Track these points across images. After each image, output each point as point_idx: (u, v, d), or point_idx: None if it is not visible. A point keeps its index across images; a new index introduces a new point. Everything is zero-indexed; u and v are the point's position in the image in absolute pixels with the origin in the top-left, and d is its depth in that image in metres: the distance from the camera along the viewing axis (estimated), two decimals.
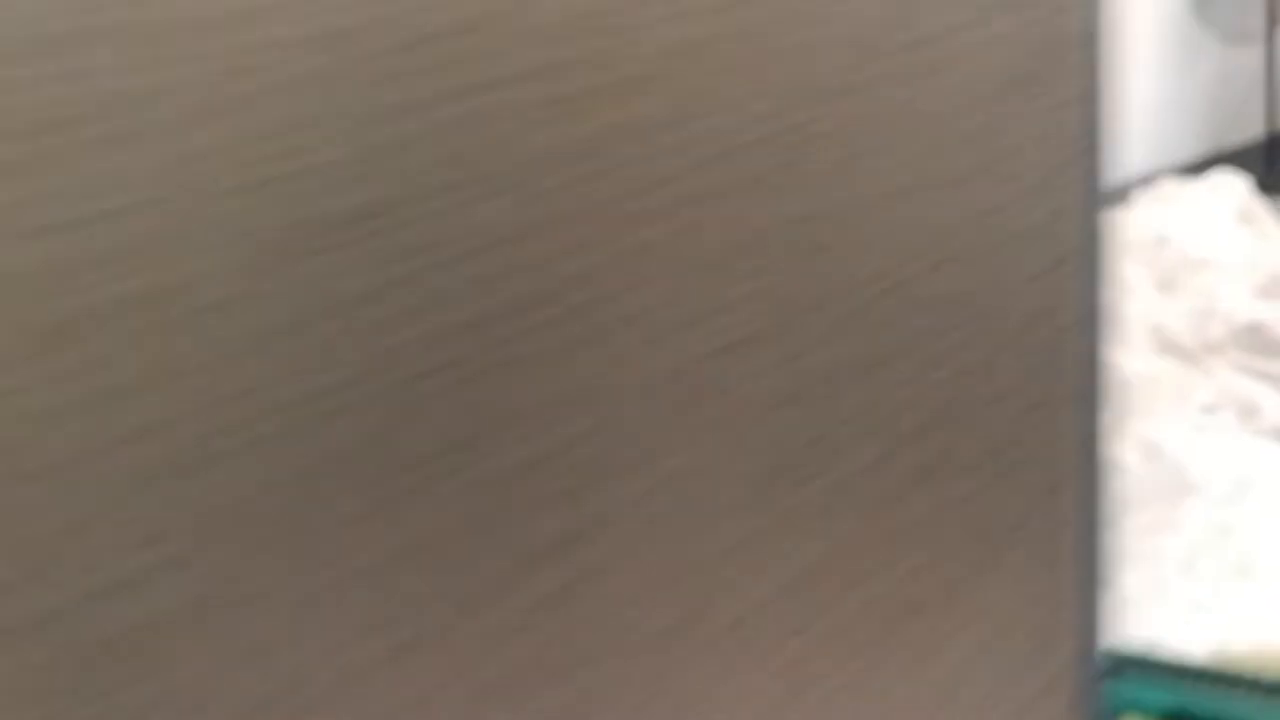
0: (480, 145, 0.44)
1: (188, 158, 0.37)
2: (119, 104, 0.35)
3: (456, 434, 0.44)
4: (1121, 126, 5.19)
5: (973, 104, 0.63)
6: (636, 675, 0.50)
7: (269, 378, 0.39)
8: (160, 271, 0.36)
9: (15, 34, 0.32)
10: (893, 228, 0.59)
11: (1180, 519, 2.44)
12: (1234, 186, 4.01)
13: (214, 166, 0.37)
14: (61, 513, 0.34)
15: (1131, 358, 3.30)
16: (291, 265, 0.40)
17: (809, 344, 0.57)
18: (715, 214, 0.52)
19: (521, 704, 0.47)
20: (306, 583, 0.40)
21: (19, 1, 0.32)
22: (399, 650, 0.43)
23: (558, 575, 0.48)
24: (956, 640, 0.62)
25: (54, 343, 0.34)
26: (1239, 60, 5.14)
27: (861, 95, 0.57)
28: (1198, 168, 5.10)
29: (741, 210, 0.53)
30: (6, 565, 0.33)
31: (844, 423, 0.57)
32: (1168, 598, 2.27)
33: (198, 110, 0.37)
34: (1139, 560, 2.39)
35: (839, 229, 0.57)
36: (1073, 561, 0.71)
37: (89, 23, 0.34)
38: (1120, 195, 4.97)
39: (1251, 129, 5.10)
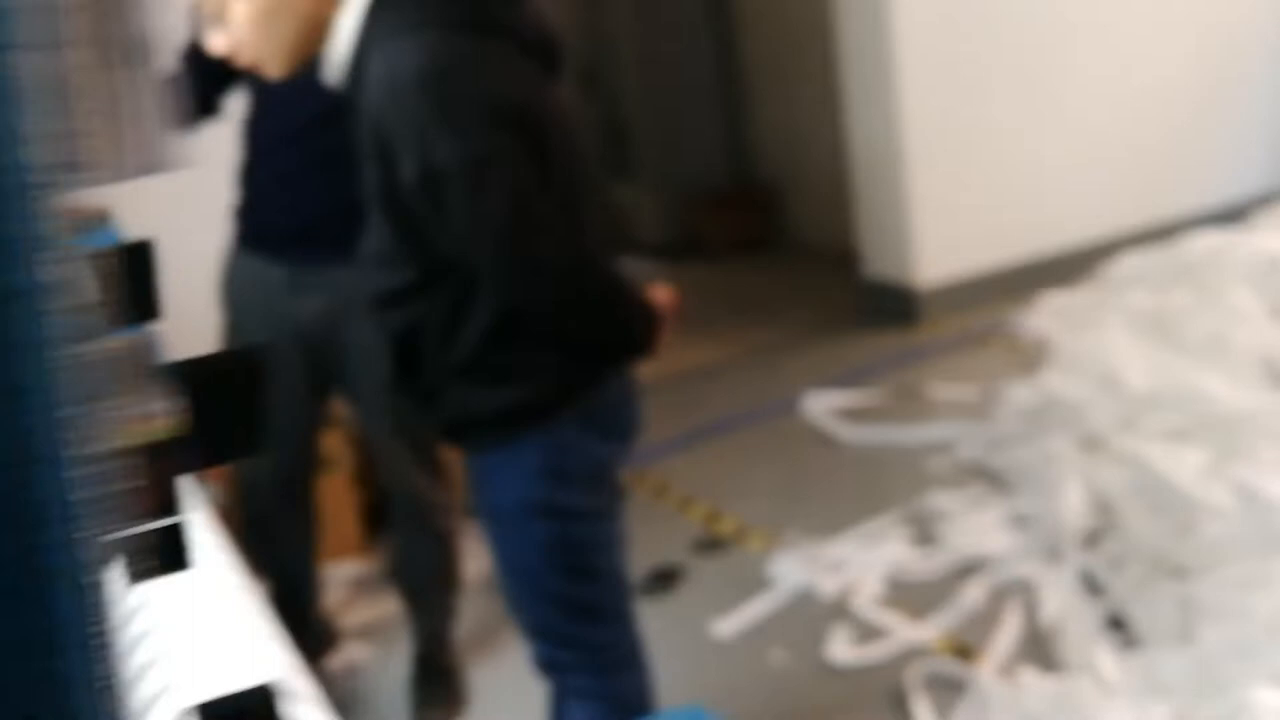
0: None
1: None
2: None
3: None
4: (1241, 144, 4.87)
5: None
6: None
7: None
8: None
9: None
10: None
11: (1275, 574, 2.24)
12: None
13: None
14: None
15: (1237, 390, 3.07)
16: None
17: None
18: None
19: None
20: None
21: None
22: None
23: None
24: None
25: None
26: None
27: None
28: None
29: None
30: None
31: None
32: (1255, 661, 2.07)
33: None
34: (1225, 616, 2.20)
35: None
36: None
37: None
38: (1238, 214, 4.68)
39: None
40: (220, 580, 1.24)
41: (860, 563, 2.72)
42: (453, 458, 2.24)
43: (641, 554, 2.92)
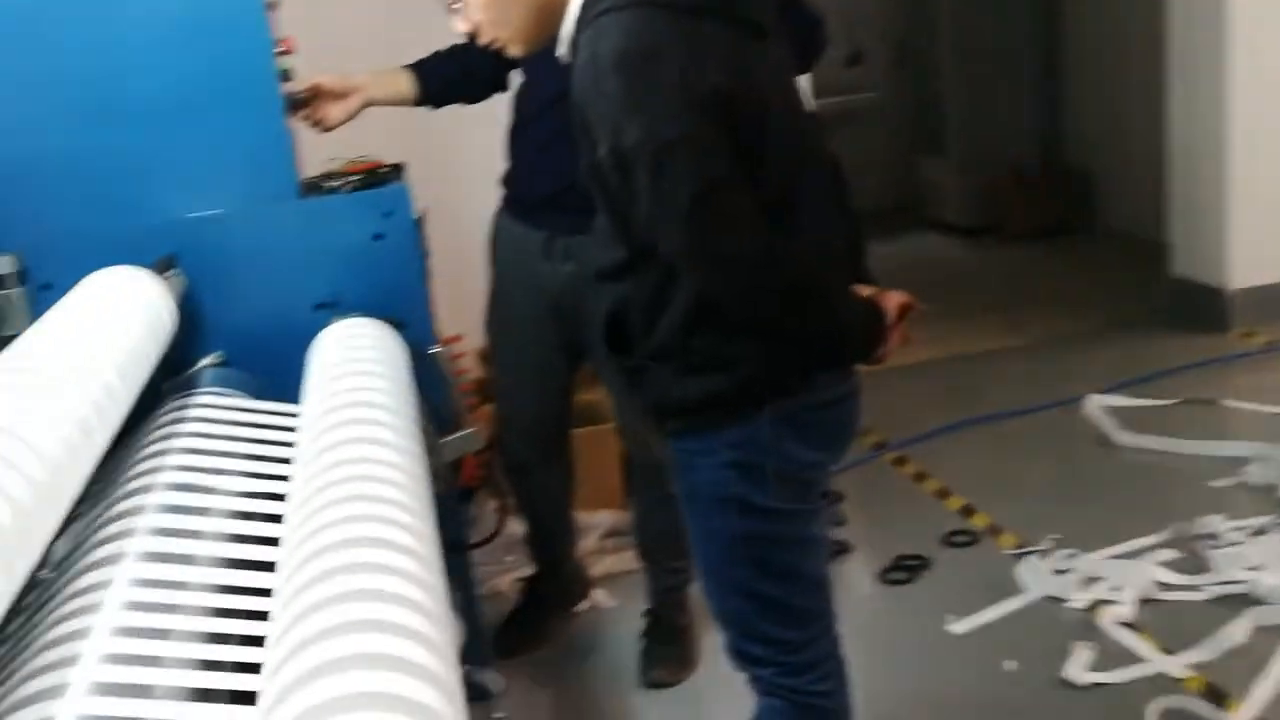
0: None
1: None
2: None
3: None
4: None
5: None
6: None
7: None
8: None
9: None
10: None
11: None
12: None
13: None
14: None
15: None
16: None
17: None
18: None
19: None
20: None
21: None
22: None
23: None
24: None
25: None
26: None
27: None
28: None
29: None
30: None
31: None
32: None
33: None
34: None
35: None
36: None
37: None
38: None
39: None
40: None
41: (1117, 579, 2.60)
42: None
43: (889, 539, 2.91)
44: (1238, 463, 3.08)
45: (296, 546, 1.02)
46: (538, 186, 2.24)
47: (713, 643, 2.47)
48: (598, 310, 1.52)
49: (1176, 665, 2.31)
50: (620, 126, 1.32)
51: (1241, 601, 2.49)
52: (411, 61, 2.27)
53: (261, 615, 0.99)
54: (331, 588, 0.91)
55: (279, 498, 1.22)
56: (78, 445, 1.12)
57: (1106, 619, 2.48)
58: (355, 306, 1.87)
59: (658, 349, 1.45)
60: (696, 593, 2.51)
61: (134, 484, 1.31)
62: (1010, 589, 2.64)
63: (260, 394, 1.70)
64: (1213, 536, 2.73)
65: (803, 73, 2.15)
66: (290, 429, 1.43)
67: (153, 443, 1.44)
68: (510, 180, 2.32)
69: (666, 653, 2.40)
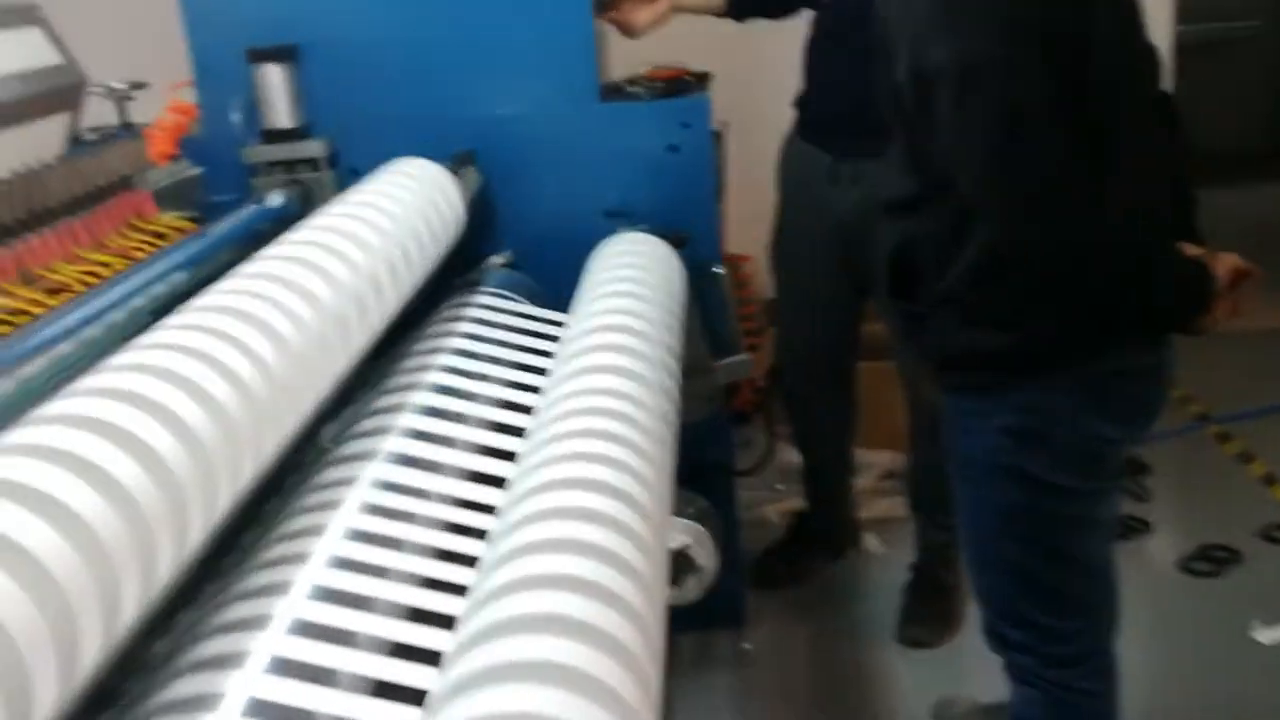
0: None
1: None
2: None
3: None
4: None
5: None
6: None
7: None
8: None
9: None
10: None
11: None
12: None
13: None
14: None
15: None
16: None
17: None
18: None
19: None
20: None
21: None
22: None
23: None
24: None
25: None
26: None
27: None
28: None
29: None
30: None
31: None
32: None
33: None
34: None
35: None
36: None
37: None
38: None
39: None
40: None
41: None
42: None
43: (1197, 525, 2.64)
44: None
45: (525, 461, 1.01)
46: (828, 106, 2.16)
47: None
48: (883, 245, 1.40)
49: None
50: (924, 46, 1.20)
51: None
52: None
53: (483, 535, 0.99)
54: (545, 501, 0.91)
55: (528, 411, 1.21)
56: (349, 326, 1.15)
57: None
58: (643, 217, 1.84)
59: (944, 295, 1.31)
60: None
61: (402, 379, 1.34)
62: None
63: (540, 298, 1.70)
64: None
65: None
66: (556, 338, 1.42)
67: (428, 339, 1.47)
68: (803, 100, 2.24)
69: (928, 611, 2.29)
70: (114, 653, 0.71)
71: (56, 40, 1.80)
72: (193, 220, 1.73)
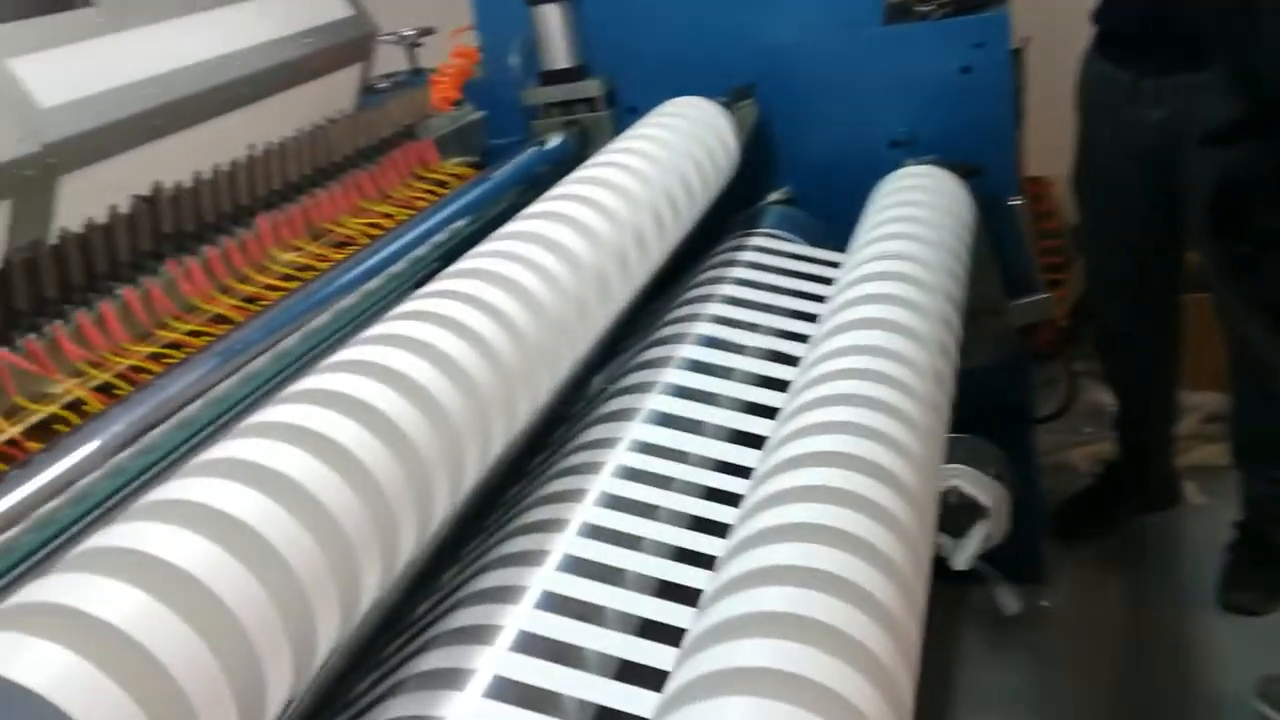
0: None
1: None
2: None
3: None
4: None
5: None
6: None
7: None
8: None
9: None
10: None
11: None
12: None
13: None
14: None
15: None
16: None
17: None
18: None
19: None
20: None
21: None
22: None
23: None
24: None
25: None
26: None
27: None
28: None
29: None
30: None
31: None
32: None
33: None
34: None
35: None
36: None
37: None
38: None
39: None
40: None
41: None
42: None
43: None
44: None
45: (782, 428, 0.96)
46: (1128, 18, 1.94)
47: None
48: (1203, 178, 1.24)
49: None
50: None
51: None
52: None
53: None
54: (804, 446, 0.90)
55: (795, 363, 1.15)
56: (626, 264, 1.15)
57: None
58: (932, 147, 1.72)
59: (1275, 233, 1.16)
60: None
61: (669, 329, 1.31)
62: None
63: (819, 237, 1.63)
64: None
65: None
66: (831, 282, 1.35)
67: (700, 284, 1.44)
68: (1100, 13, 2.02)
69: (1255, 575, 2.07)
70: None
71: None
72: (474, 165, 1.76)
